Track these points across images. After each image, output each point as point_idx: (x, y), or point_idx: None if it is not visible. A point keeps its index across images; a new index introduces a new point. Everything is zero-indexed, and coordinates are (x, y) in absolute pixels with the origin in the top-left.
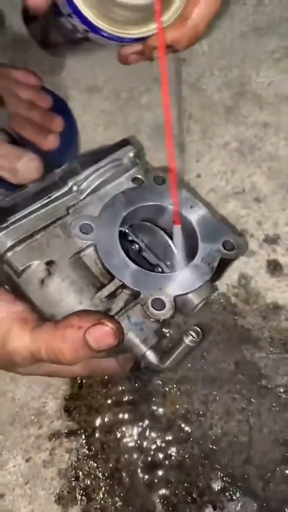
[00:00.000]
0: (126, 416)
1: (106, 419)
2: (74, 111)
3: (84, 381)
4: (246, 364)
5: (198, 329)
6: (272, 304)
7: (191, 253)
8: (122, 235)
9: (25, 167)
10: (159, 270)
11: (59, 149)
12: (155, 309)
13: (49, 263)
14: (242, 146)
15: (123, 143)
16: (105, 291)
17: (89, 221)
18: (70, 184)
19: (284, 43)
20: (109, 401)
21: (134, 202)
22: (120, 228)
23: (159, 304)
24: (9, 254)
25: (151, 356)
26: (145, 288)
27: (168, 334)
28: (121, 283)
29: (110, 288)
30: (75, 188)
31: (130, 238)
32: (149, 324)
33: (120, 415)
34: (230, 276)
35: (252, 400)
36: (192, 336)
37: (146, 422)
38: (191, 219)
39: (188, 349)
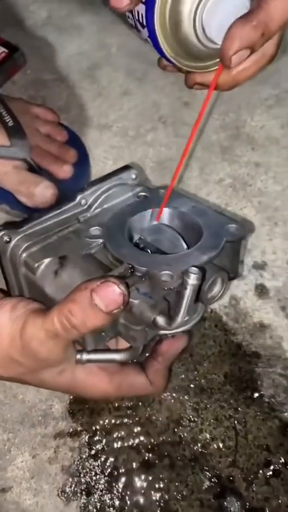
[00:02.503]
0: (125, 419)
1: (107, 422)
2: (86, 145)
3: None
4: (234, 376)
5: (195, 268)
6: (259, 323)
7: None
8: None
9: (41, 193)
10: None
11: (72, 178)
12: (163, 281)
13: (62, 257)
14: (235, 182)
15: (126, 168)
16: (115, 273)
17: (99, 226)
18: (78, 197)
19: (276, 91)
20: (110, 405)
21: (140, 209)
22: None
23: (167, 276)
24: (24, 255)
25: (161, 320)
26: (153, 267)
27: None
28: (130, 266)
29: (119, 269)
30: (83, 202)
31: (142, 246)
32: (158, 292)
33: (120, 419)
34: (222, 298)
35: (238, 408)
36: (193, 273)
37: (143, 425)
38: (190, 213)
39: (192, 293)
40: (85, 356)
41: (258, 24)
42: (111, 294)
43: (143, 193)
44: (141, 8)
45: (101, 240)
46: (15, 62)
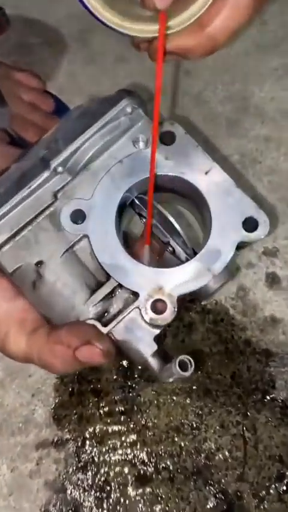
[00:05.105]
0: (118, 427)
1: (97, 430)
2: None
3: (75, 388)
4: (242, 377)
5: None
6: (270, 317)
7: (205, 227)
8: (129, 204)
9: None
10: (171, 249)
11: None
12: (154, 312)
13: (38, 263)
14: (244, 159)
15: (120, 96)
16: (100, 294)
17: (81, 206)
18: (53, 165)
19: (286, 60)
20: (101, 410)
21: (135, 174)
22: (127, 194)
23: (159, 306)
24: None
25: (154, 363)
26: (144, 287)
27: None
28: (117, 283)
29: (104, 290)
30: (60, 169)
31: (137, 210)
32: (149, 330)
33: (112, 426)
34: (229, 288)
35: (247, 414)
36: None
37: (139, 433)
38: (202, 188)
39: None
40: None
41: None
42: (94, 355)
43: (141, 136)
44: None
45: (82, 234)
46: None
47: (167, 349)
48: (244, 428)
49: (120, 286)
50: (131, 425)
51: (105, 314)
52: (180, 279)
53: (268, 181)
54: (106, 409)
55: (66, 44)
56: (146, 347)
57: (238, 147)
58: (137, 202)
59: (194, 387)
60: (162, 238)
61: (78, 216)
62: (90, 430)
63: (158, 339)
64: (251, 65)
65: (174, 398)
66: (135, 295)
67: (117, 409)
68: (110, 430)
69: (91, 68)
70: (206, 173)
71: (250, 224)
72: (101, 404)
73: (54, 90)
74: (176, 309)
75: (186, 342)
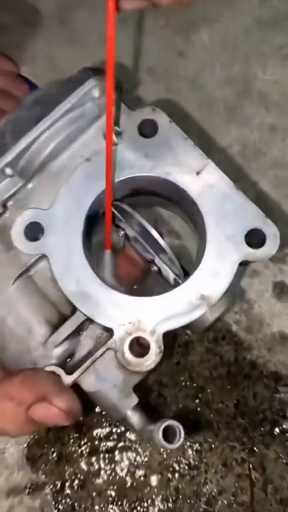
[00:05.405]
0: (102, 466)
1: (78, 471)
2: None
3: None
4: (247, 405)
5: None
6: (279, 333)
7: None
8: (102, 214)
9: None
10: (156, 268)
11: None
12: (134, 355)
13: None
14: (246, 150)
15: (84, 75)
16: (63, 332)
17: (38, 218)
18: (0, 166)
19: None
20: (83, 448)
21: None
22: (99, 201)
23: (140, 347)
24: None
25: (134, 420)
26: (120, 322)
27: None
28: (86, 317)
29: (68, 327)
30: (9, 171)
31: (114, 221)
32: (126, 378)
33: (96, 466)
34: None
35: (254, 449)
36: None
37: (127, 475)
38: (193, 193)
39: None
40: None
41: None
42: (52, 416)
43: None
44: None
45: (39, 254)
46: None
47: (158, 374)
48: (251, 467)
49: (89, 320)
50: (119, 466)
51: (71, 358)
52: (167, 310)
53: (274, 176)
54: (89, 446)
55: (44, 23)
56: (123, 399)
57: (239, 137)
58: (113, 210)
59: (190, 417)
60: (145, 255)
61: (35, 231)
62: (70, 470)
63: (139, 385)
64: (252, 44)
65: None
66: (109, 332)
67: (101, 447)
68: (93, 472)
69: (72, 49)
70: (198, 173)
71: (255, 238)
72: (83, 441)
73: (29, 75)
74: (162, 350)
75: (182, 365)
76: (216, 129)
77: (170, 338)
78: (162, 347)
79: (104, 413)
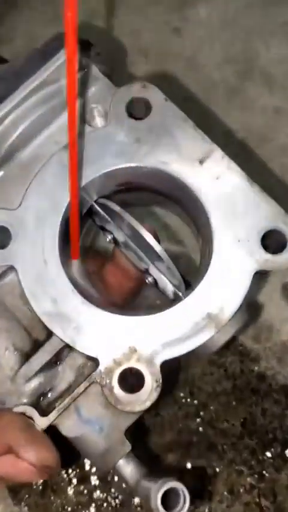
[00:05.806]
0: (93, 495)
1: (66, 502)
2: None
3: None
4: (255, 424)
5: None
6: None
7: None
8: (86, 214)
9: None
10: (151, 279)
11: None
12: (125, 389)
13: None
14: (249, 136)
15: (58, 44)
16: (36, 363)
17: (3, 221)
18: None
19: None
20: (71, 475)
21: (92, 166)
22: (81, 198)
23: (133, 379)
24: None
25: (126, 470)
26: (108, 349)
27: None
28: (64, 343)
29: (43, 355)
30: None
31: (99, 222)
32: (117, 419)
33: (86, 496)
34: None
35: (264, 473)
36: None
37: (121, 505)
38: (196, 188)
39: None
40: None
41: None
42: (20, 472)
43: (95, 106)
44: None
45: (6, 265)
46: None
47: None
48: (260, 494)
49: (69, 347)
50: (111, 496)
51: (46, 394)
52: (166, 333)
53: (281, 164)
54: (78, 473)
55: None
56: (112, 447)
57: (241, 121)
58: (98, 209)
59: (193, 439)
60: (138, 264)
61: (1, 238)
62: (58, 503)
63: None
64: (254, 20)
65: (169, 455)
66: (94, 361)
67: (92, 473)
68: (83, 503)
69: (55, 28)
70: (201, 162)
71: (274, 241)
72: (71, 469)
73: (9, 55)
74: (160, 384)
75: (181, 379)
76: (216, 114)
77: (172, 368)
78: (161, 380)
79: (89, 463)
